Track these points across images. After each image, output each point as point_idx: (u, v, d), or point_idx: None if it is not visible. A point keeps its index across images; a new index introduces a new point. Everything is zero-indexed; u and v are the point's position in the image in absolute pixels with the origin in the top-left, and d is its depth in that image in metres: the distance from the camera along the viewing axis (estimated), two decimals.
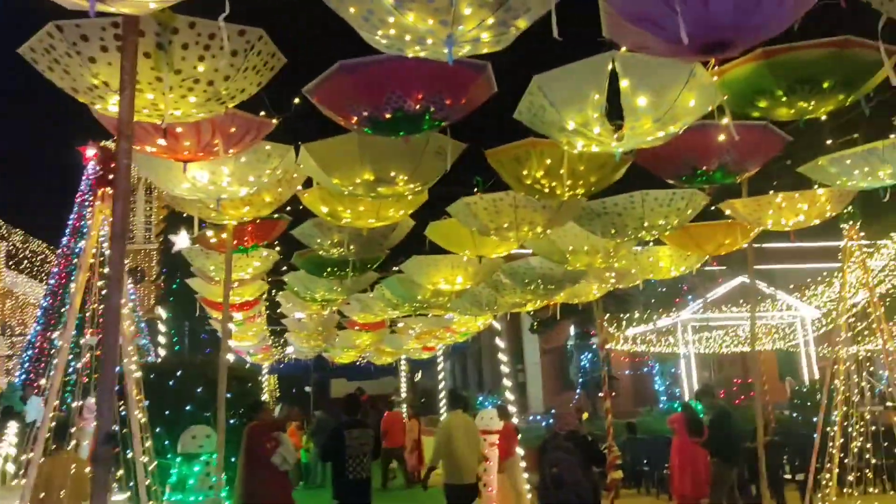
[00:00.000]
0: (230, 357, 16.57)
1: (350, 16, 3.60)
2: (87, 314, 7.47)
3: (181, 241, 10.69)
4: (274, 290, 13.62)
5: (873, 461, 9.54)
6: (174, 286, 26.15)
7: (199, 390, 11.43)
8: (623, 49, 4.63)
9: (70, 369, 11.79)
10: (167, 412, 11.29)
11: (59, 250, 25.02)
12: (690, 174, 5.99)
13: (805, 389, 19.04)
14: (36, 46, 3.85)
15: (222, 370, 7.26)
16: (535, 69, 4.89)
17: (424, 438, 19.39)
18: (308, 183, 6.92)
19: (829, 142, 6.61)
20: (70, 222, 23.93)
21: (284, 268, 11.06)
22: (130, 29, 3.58)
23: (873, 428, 9.46)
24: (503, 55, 4.35)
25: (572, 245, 8.21)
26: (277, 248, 9.82)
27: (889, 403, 9.63)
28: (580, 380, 28.68)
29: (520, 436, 13.79)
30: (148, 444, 7.76)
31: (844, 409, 9.56)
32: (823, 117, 5.60)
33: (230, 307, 12.37)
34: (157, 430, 11.12)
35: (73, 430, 7.41)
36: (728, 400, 22.07)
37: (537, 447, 9.31)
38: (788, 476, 12.86)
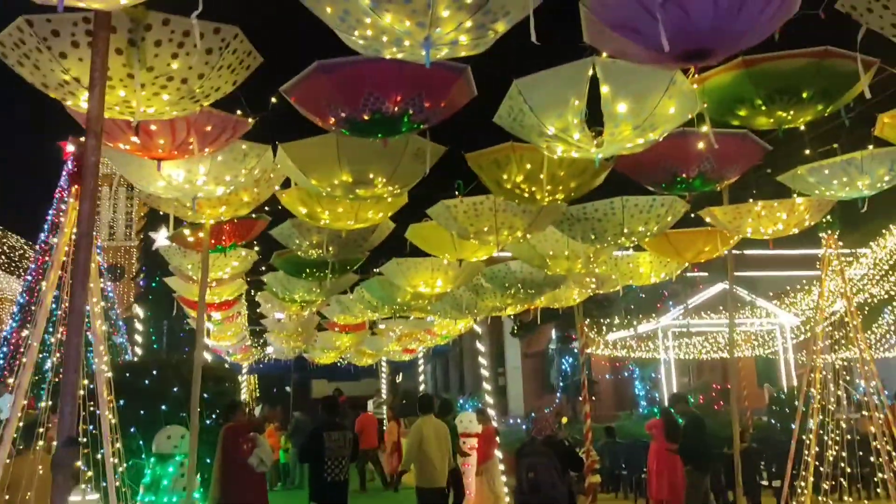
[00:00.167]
0: (207, 357, 16.49)
1: (327, 16, 3.55)
2: (60, 312, 7.36)
3: (161, 238, 10.57)
4: (253, 290, 13.52)
5: (848, 469, 9.59)
6: (153, 284, 25.93)
7: (174, 390, 11.28)
8: (604, 55, 4.61)
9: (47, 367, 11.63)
10: (142, 412, 11.13)
11: (37, 246, 24.68)
12: (670, 181, 5.99)
13: (783, 396, 19.15)
14: (5, 41, 3.77)
15: (197, 370, 7.18)
16: (519, 73, 4.86)
17: (404, 441, 19.33)
18: (287, 183, 6.85)
19: (807, 151, 6.63)
20: (49, 218, 23.60)
21: (263, 268, 10.97)
22: (102, 24, 3.51)
23: (848, 436, 9.51)
24: (488, 59, 4.32)
25: (552, 250, 8.20)
26: (256, 249, 9.73)
27: (864, 412, 9.67)
28: (561, 384, 28.72)
29: (499, 439, 13.78)
30: (118, 444, 7.62)
31: (820, 416, 9.60)
32: (802, 127, 5.63)
33: (208, 306, 12.32)
34: (132, 429, 10.99)
35: (41, 429, 7.28)
36: (707, 405, 22.24)
37: (514, 451, 9.30)
38: (765, 482, 12.92)
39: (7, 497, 6.42)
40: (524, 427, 22.33)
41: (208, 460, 10.26)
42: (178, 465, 9.14)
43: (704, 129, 5.14)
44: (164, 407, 11.37)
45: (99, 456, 8.10)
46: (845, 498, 10.37)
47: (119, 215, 45.65)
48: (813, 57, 4.78)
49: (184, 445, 8.79)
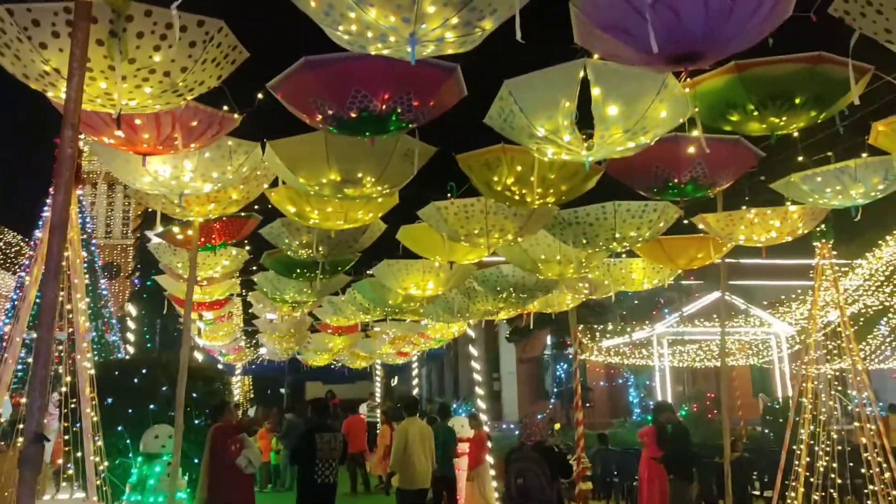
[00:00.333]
0: (198, 356, 16.41)
1: (311, 9, 3.50)
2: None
3: (156, 236, 10.53)
4: (245, 290, 13.45)
5: (839, 481, 9.53)
6: (148, 283, 25.85)
7: (163, 389, 11.21)
8: (595, 57, 4.56)
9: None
10: (130, 410, 11.07)
11: (32, 242, 24.58)
12: (662, 186, 5.93)
13: (778, 406, 19.11)
14: None
15: (182, 368, 7.11)
16: (514, 74, 4.81)
17: None
18: (277, 181, 6.79)
19: (800, 158, 6.58)
20: (43, 214, 23.52)
21: (254, 267, 10.90)
22: (82, 14, 3.45)
23: (839, 448, 9.45)
24: (482, 59, 4.27)
25: (544, 254, 8.14)
26: (248, 248, 9.66)
27: (857, 423, 9.61)
28: (555, 390, 28.67)
29: (490, 444, 13.73)
30: (100, 442, 7.55)
31: (812, 427, 9.54)
32: (795, 134, 5.57)
33: (200, 306, 12.24)
34: (120, 428, 10.92)
35: (21, 426, 7.21)
36: (701, 414, 22.18)
37: (503, 457, 9.26)
38: (757, 493, 12.86)
39: None
40: (518, 432, 22.25)
41: (196, 460, 10.20)
42: (166, 465, 9.07)
43: (696, 133, 5.08)
44: (152, 406, 11.31)
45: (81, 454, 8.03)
46: None
47: (116, 213, 45.58)
48: (806, 62, 4.73)
49: (171, 445, 8.72)
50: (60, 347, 7.87)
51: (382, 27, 3.44)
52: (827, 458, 9.47)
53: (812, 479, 9.60)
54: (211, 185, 5.89)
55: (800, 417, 9.61)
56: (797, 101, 4.88)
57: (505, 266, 9.45)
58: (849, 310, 14.63)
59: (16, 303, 24.11)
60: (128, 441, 10.86)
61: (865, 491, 9.70)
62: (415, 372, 24.29)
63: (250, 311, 15.32)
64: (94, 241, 24.67)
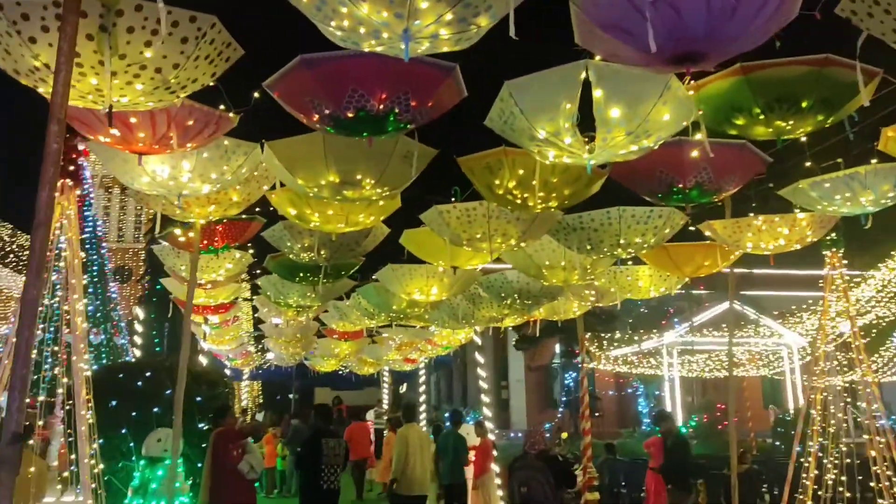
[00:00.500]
0: (203, 360, 16.38)
1: (303, 5, 3.44)
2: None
3: (159, 238, 10.53)
4: (254, 294, 13.41)
5: (847, 494, 9.35)
6: (158, 286, 25.89)
7: (167, 392, 11.16)
8: (597, 58, 4.47)
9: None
10: (134, 413, 11.02)
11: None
12: (666, 191, 5.83)
13: (789, 418, 18.89)
14: None
15: (181, 371, 7.06)
16: (517, 75, 4.72)
17: None
18: (277, 183, 6.72)
19: (808, 164, 6.45)
20: None
21: (258, 271, 10.87)
22: (71, 8, 3.40)
23: (848, 460, 9.28)
24: (484, 58, 4.20)
25: (549, 260, 8.05)
26: (251, 251, 9.62)
27: (866, 436, 9.45)
28: (564, 399, 28.49)
29: (496, 452, 13.61)
30: (96, 445, 7.51)
31: (820, 439, 9.38)
32: (803, 139, 5.47)
33: (205, 309, 12.21)
34: (123, 430, 10.88)
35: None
36: (711, 425, 21.97)
37: (507, 465, 9.19)
38: None
39: None
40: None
41: (200, 464, 10.15)
42: (168, 469, 9.02)
43: (699, 136, 4.98)
44: (156, 409, 11.26)
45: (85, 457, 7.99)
46: None
47: (128, 217, 45.75)
48: (813, 65, 4.62)
49: None
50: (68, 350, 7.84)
51: (375, 23, 3.38)
52: (836, 472, 9.30)
53: (821, 493, 9.44)
54: (210, 186, 5.83)
55: (808, 429, 9.46)
56: (804, 104, 4.76)
57: (510, 272, 9.37)
58: (861, 321, 14.42)
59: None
60: (131, 444, 10.82)
61: None
62: (422, 379, 24.13)
63: (256, 315, 15.28)
64: (104, 245, 24.73)
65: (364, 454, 19.03)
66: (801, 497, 9.40)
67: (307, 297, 10.31)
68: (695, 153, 5.42)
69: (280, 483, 19.75)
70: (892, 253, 17.05)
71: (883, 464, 9.03)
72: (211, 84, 4.28)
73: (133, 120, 4.58)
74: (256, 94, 4.89)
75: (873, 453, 9.21)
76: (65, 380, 7.35)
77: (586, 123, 4.74)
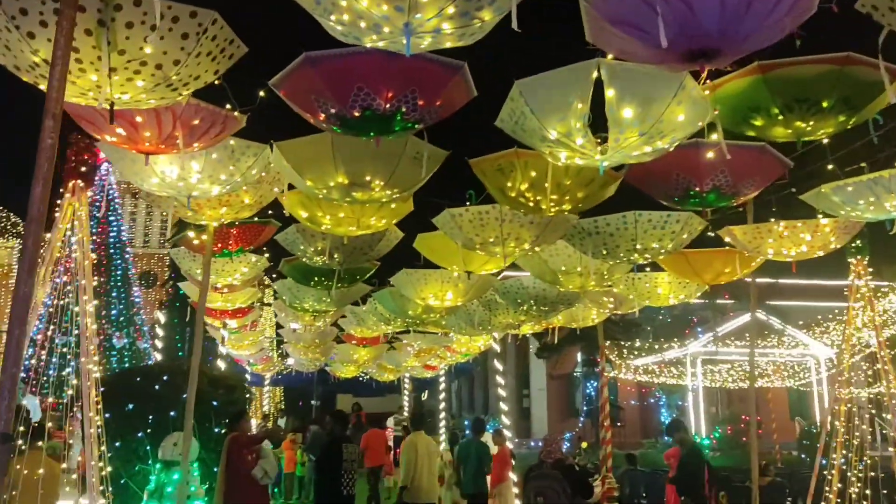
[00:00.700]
0: (221, 365, 16.39)
1: None
2: (51, 308, 7.36)
3: (174, 242, 10.57)
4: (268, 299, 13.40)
5: None
6: (180, 291, 26.06)
7: (184, 396, 11.16)
8: (609, 56, 4.36)
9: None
10: (150, 417, 11.03)
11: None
12: (683, 195, 5.69)
13: (815, 430, 18.53)
14: None
15: (193, 375, 7.02)
16: (529, 74, 4.61)
17: None
18: (291, 185, 6.66)
19: (830, 167, 6.26)
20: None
21: (274, 275, 10.84)
22: (69, 3, 3.36)
23: (872, 474, 9.01)
24: (497, 58, 4.10)
25: (565, 265, 7.91)
26: (266, 255, 9.59)
27: (892, 449, 9.18)
28: (585, 408, 28.24)
29: (514, 461, 13.46)
30: (104, 447, 7.49)
31: (844, 452, 9.12)
32: (825, 141, 5.30)
33: (223, 314, 12.21)
34: (140, 434, 10.90)
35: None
36: (735, 437, 21.61)
37: (522, 474, 9.08)
38: None
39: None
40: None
41: (216, 469, 10.14)
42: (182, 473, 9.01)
43: (715, 137, 4.83)
44: (172, 413, 11.27)
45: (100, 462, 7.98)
46: None
47: (154, 222, 46.15)
48: (834, 63, 4.47)
49: (191, 454, 8.68)
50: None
51: (375, 16, 3.30)
52: (860, 485, 9.04)
53: None
54: (219, 188, 5.78)
55: (832, 441, 9.21)
56: (825, 104, 4.61)
57: (525, 278, 9.23)
58: (887, 331, 14.07)
59: (49, 309, 24.50)
60: (147, 448, 10.83)
61: None
62: (441, 386, 23.98)
63: (276, 319, 15.29)
64: (129, 250, 24.90)
65: (380, 461, 18.91)
66: None
67: (322, 302, 10.26)
68: (711, 155, 5.27)
69: (299, 489, 19.70)
70: None
71: None
72: (216, 82, 4.22)
73: (139, 119, 4.54)
74: (262, 93, 4.82)
75: None
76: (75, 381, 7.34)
77: (598, 124, 4.62)
